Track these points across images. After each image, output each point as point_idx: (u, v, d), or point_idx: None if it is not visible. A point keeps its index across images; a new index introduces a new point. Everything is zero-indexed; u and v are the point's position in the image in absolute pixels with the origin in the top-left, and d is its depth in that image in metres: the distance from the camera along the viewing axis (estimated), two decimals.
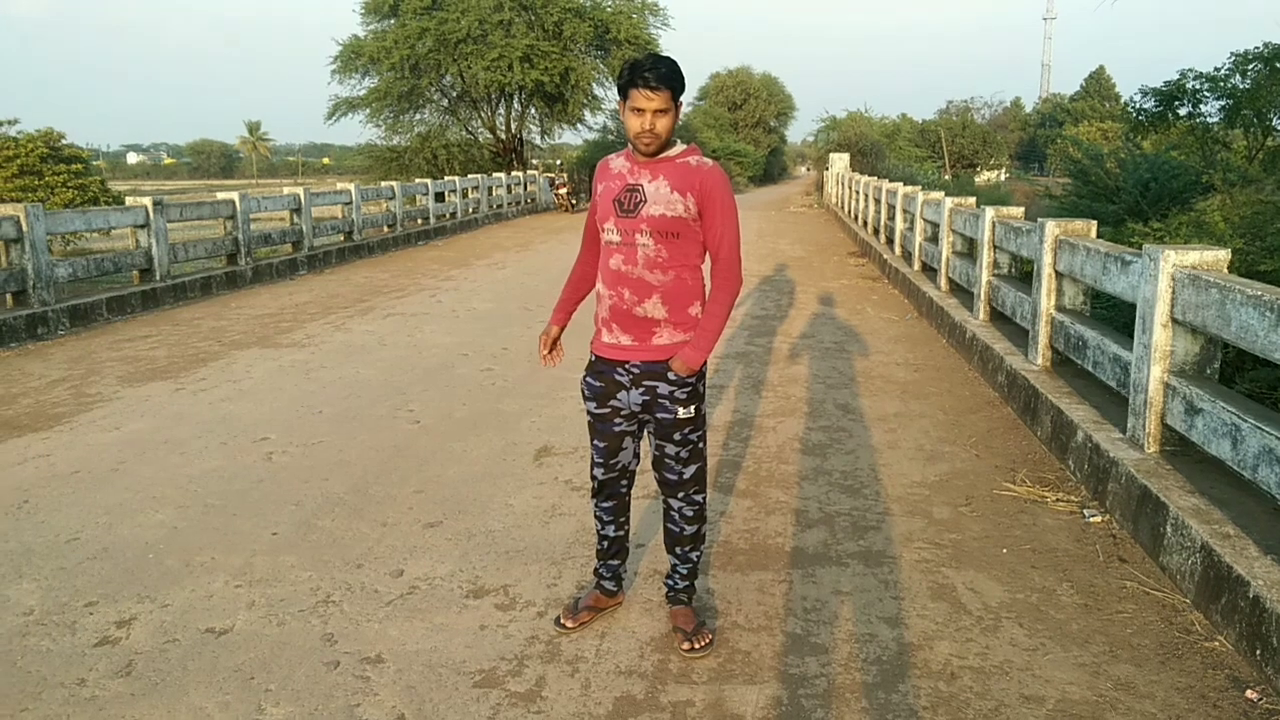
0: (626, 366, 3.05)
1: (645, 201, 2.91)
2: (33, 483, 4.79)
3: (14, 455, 5.24)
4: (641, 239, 2.93)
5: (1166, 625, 3.31)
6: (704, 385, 3.14)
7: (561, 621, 3.29)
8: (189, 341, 8.59)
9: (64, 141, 18.43)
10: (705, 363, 3.06)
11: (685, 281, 3.01)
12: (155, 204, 11.12)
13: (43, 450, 5.32)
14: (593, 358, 3.15)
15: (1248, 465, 3.52)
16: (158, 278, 11.00)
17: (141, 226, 11.00)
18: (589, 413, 3.17)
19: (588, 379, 3.15)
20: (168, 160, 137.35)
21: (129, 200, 11.57)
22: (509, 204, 26.53)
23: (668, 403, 3.03)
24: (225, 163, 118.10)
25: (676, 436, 3.08)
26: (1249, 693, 2.87)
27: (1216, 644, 3.16)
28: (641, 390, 3.04)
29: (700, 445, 3.16)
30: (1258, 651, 2.98)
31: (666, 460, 3.14)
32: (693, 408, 3.07)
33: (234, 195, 13.05)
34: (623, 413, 3.11)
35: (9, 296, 9.10)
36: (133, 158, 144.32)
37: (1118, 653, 3.12)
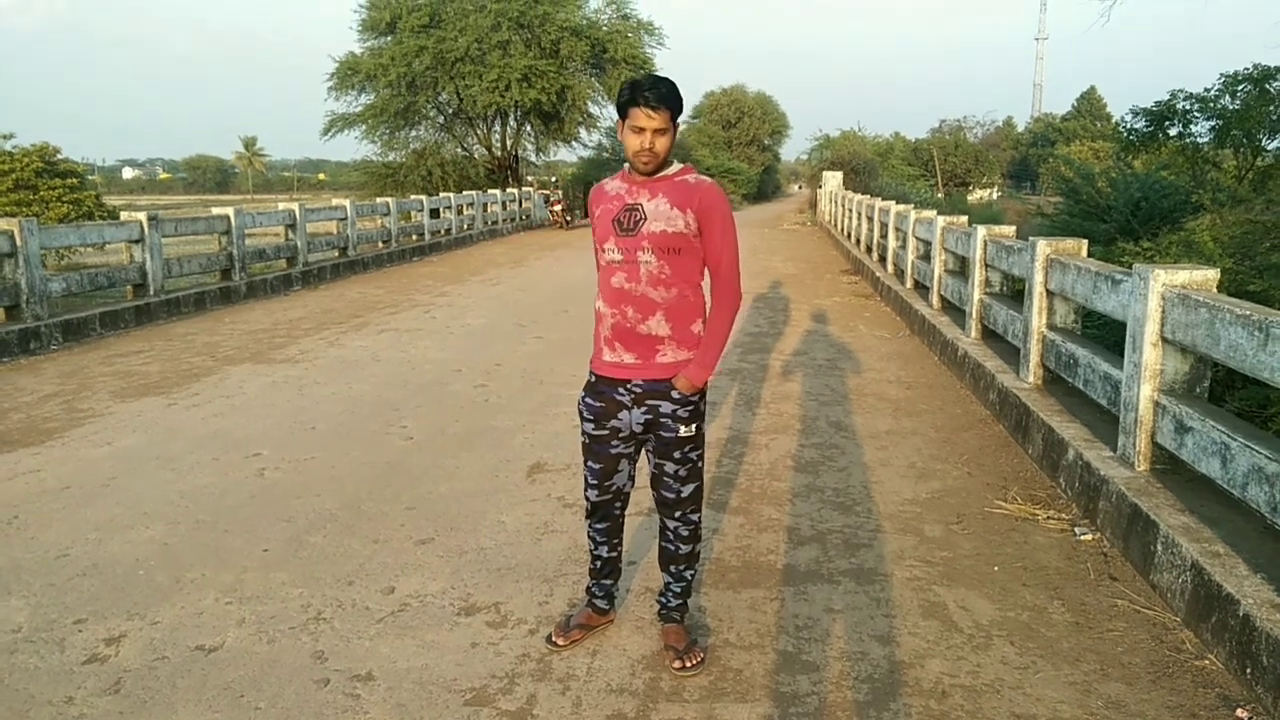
0: (628, 386, 3.04)
1: (645, 219, 2.93)
2: (23, 498, 4.77)
3: (4, 470, 5.22)
4: (644, 256, 2.94)
5: (1157, 643, 3.31)
6: (704, 403, 3.15)
7: (553, 639, 3.28)
8: (182, 357, 8.58)
9: (59, 156, 18.46)
10: (707, 380, 3.07)
11: (688, 298, 3.03)
12: (150, 219, 11.13)
13: (33, 465, 5.31)
14: (592, 377, 3.13)
15: (1237, 484, 3.53)
16: (151, 292, 10.99)
17: (136, 241, 11.01)
18: (586, 434, 3.15)
19: (586, 399, 3.14)
20: (163, 175, 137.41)
21: (123, 215, 11.58)
22: (504, 221, 26.59)
23: (670, 421, 3.04)
24: (221, 178, 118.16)
25: (677, 455, 3.09)
26: (1239, 711, 2.87)
27: (1207, 662, 3.17)
28: (644, 410, 3.04)
29: (699, 464, 3.17)
30: (1248, 670, 2.98)
31: (665, 478, 3.14)
32: (694, 426, 3.08)
33: (229, 210, 13.07)
34: (621, 434, 3.10)
35: (2, 311, 9.08)
36: (128, 173, 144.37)
37: (1108, 671, 3.13)
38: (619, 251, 2.97)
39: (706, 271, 3.08)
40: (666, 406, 3.03)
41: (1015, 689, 3.02)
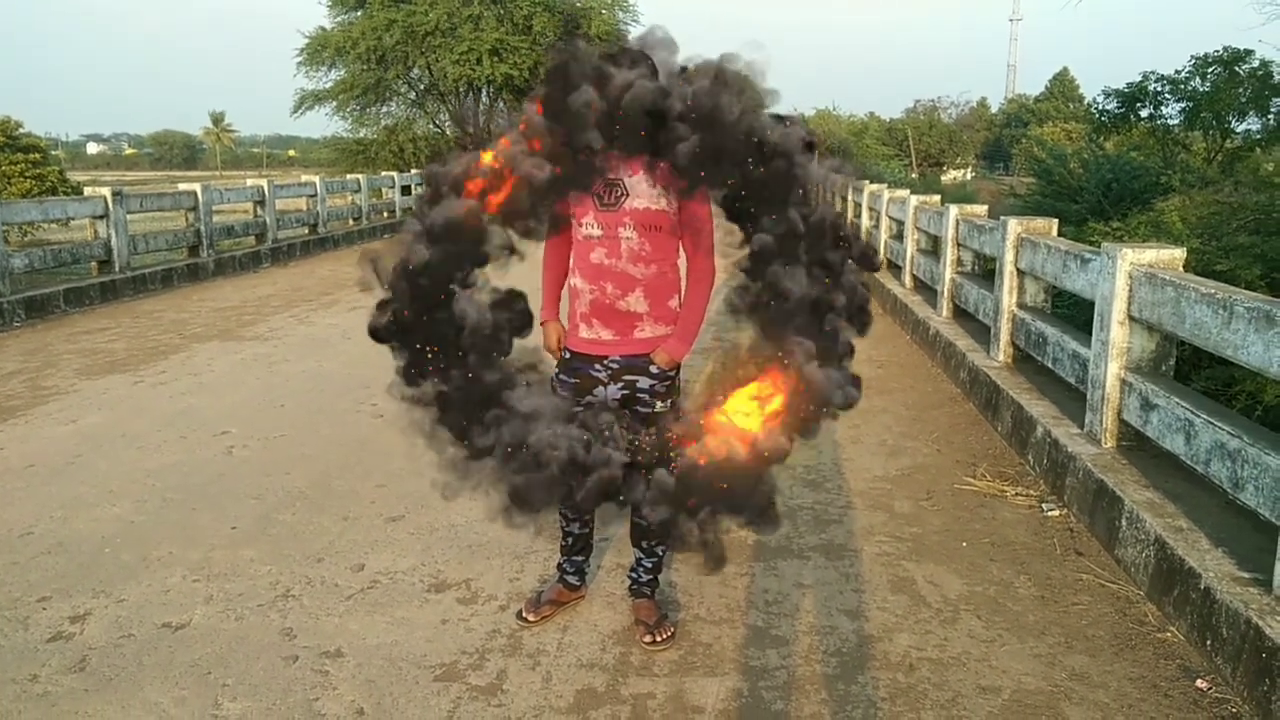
0: (605, 362, 3.02)
1: (628, 195, 2.90)
2: None
3: None
4: (625, 232, 2.92)
5: (1120, 616, 3.36)
6: (680, 380, 3.14)
7: (523, 615, 3.28)
8: (149, 334, 8.46)
9: (21, 130, 18.08)
10: (686, 354, 3.07)
11: (666, 275, 3.01)
12: (114, 194, 10.93)
13: None
14: (567, 354, 3.10)
15: (1200, 460, 3.59)
16: (117, 269, 10.82)
17: (100, 217, 10.81)
18: None
19: (560, 376, 3.09)
20: (129, 151, 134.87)
21: (88, 190, 11.36)
22: None
23: (647, 396, 3.03)
24: (188, 154, 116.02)
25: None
26: (1199, 682, 2.93)
27: (1168, 634, 3.22)
28: (620, 385, 3.02)
29: None
30: (1208, 641, 3.03)
31: None
32: (670, 401, 3.08)
33: (196, 186, 12.88)
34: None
35: None
36: (93, 148, 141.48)
37: (1073, 644, 3.17)
38: (598, 226, 2.94)
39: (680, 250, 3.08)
40: (644, 381, 3.02)
41: (981, 661, 3.06)
